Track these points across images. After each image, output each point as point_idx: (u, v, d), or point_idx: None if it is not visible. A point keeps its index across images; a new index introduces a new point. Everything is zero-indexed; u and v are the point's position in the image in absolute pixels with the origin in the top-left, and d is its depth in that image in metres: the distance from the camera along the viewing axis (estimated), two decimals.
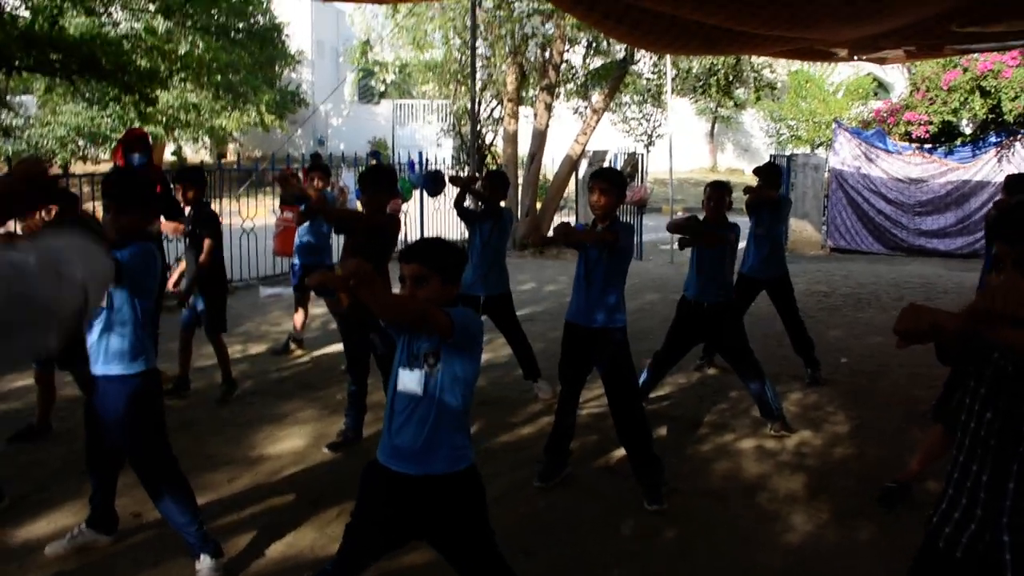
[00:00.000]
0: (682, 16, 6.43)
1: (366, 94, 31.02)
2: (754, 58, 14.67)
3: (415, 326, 2.88)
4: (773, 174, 6.97)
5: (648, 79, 15.56)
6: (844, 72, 26.24)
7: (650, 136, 20.53)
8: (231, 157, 27.13)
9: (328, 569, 3.17)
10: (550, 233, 4.69)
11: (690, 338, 6.07)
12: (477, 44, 14.50)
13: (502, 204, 6.63)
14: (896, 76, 26.78)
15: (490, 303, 6.48)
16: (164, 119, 20.65)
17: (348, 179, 12.62)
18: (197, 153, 26.54)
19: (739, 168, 31.07)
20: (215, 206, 10.51)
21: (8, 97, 18.65)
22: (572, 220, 15.96)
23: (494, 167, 15.95)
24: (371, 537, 3.05)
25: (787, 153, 17.33)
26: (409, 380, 2.91)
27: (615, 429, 4.84)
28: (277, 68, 26.30)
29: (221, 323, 6.47)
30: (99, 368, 3.65)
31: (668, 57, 12.84)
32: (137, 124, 16.49)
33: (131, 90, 9.59)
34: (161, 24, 16.78)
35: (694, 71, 15.12)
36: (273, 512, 4.47)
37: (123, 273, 3.50)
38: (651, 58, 14.47)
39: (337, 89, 13.53)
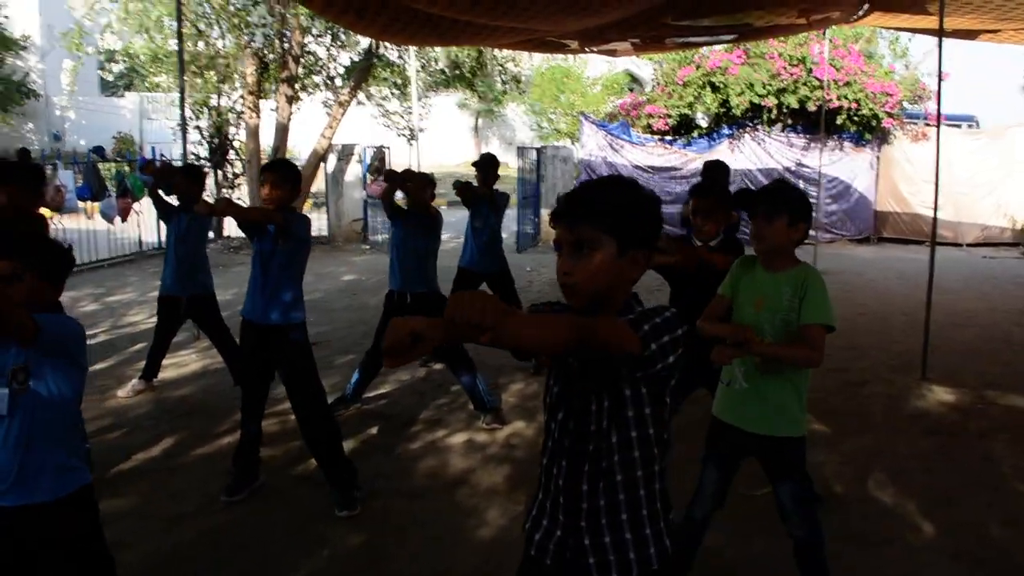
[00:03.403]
0: (406, 4, 6.25)
1: (109, 86, 28.83)
2: (497, 51, 14.78)
3: None
4: (490, 166, 6.90)
5: (393, 71, 15.33)
6: (602, 68, 27.19)
7: (412, 130, 20.36)
8: None
9: None
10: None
11: None
12: (212, 33, 13.75)
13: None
14: (650, 72, 28.19)
15: (193, 304, 6.06)
16: None
17: (66, 177, 11.55)
18: None
19: (505, 161, 31.58)
20: None
21: None
22: (324, 216, 15.51)
23: (238, 162, 15.21)
24: None
25: (537, 146, 17.63)
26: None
27: (300, 434, 4.56)
28: None
29: None
30: None
31: (412, 50, 12.66)
32: None
33: None
34: None
35: (439, 64, 15.05)
36: None
37: None
38: (396, 51, 14.25)
39: (44, 77, 12.26)
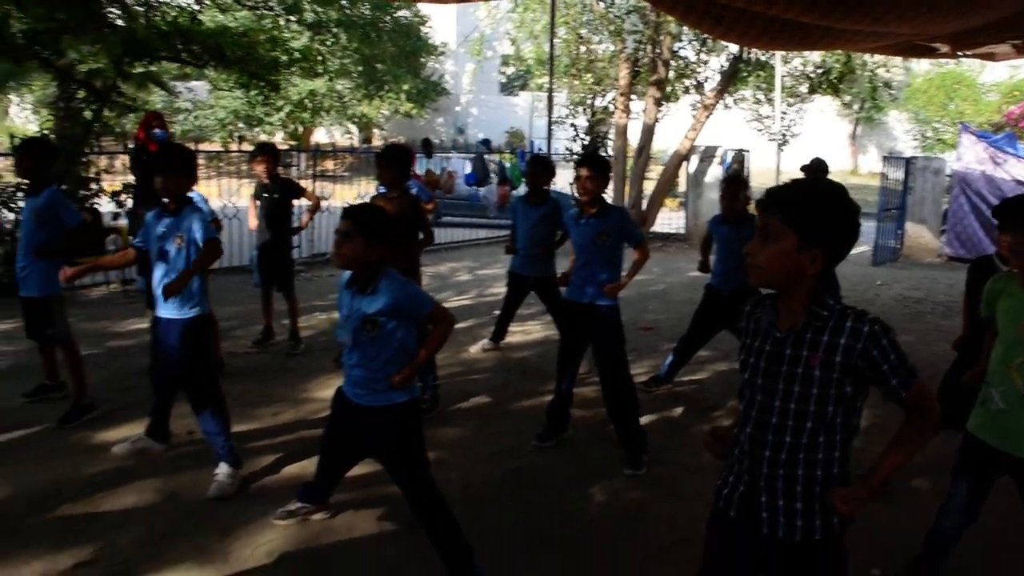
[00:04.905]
0: (760, 11, 6.63)
1: (507, 86, 32.01)
2: (867, 56, 14.34)
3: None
4: (821, 172, 7.10)
5: (759, 76, 15.48)
6: (1003, 72, 24.79)
7: (784, 135, 20.23)
8: (376, 142, 28.65)
9: (310, 481, 3.89)
10: None
11: (711, 324, 6.36)
12: (593, 39, 14.95)
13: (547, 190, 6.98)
14: None
15: (536, 283, 6.98)
16: (311, 106, 22.16)
17: (457, 164, 13.36)
18: (344, 138, 28.18)
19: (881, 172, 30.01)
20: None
21: (175, 84, 20.51)
22: (683, 215, 16.14)
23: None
24: (335, 450, 3.80)
25: (907, 155, 16.76)
26: (346, 336, 3.49)
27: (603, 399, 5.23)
28: (421, 59, 27.59)
29: (289, 284, 7.27)
30: (161, 311, 4.45)
31: (779, 54, 12.83)
32: (258, 108, 18.08)
33: (256, 77, 10.66)
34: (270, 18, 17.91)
35: (806, 68, 14.94)
36: (299, 442, 5.16)
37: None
38: (764, 55, 14.41)
39: (455, 78, 14.23)
